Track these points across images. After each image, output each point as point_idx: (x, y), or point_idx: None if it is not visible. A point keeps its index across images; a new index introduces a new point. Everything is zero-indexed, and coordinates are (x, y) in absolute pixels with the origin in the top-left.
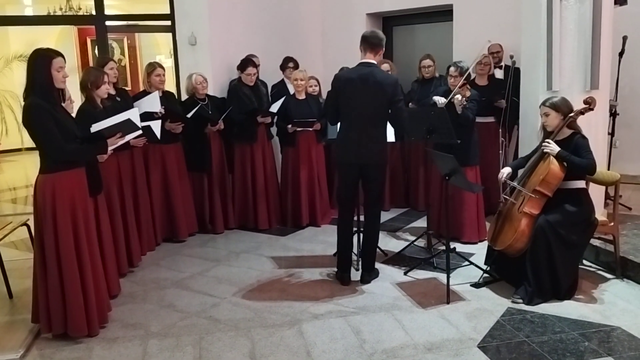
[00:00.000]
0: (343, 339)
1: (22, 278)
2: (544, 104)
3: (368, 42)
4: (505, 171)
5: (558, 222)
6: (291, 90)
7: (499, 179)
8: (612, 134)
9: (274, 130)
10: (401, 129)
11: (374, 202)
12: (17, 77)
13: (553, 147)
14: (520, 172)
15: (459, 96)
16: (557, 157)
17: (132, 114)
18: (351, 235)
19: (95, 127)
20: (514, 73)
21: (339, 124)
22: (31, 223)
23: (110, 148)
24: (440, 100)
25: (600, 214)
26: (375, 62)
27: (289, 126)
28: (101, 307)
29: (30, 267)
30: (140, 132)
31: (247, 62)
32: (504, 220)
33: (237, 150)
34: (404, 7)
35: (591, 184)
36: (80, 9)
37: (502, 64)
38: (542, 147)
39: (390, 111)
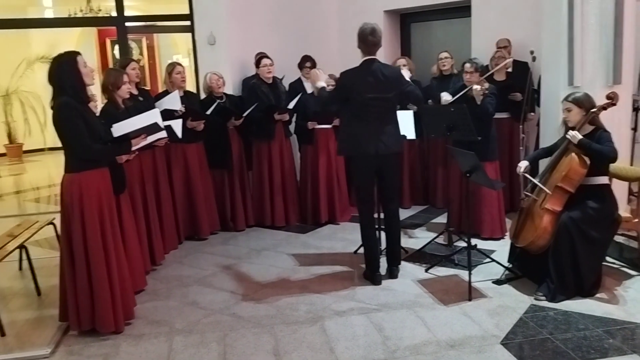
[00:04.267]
0: (365, 335)
1: (48, 276)
2: (566, 99)
3: (369, 49)
4: (523, 165)
5: (581, 218)
6: (308, 89)
7: (517, 173)
8: (635, 129)
9: (292, 127)
10: (421, 102)
11: (395, 195)
12: (39, 79)
13: (575, 135)
14: (542, 167)
15: (477, 86)
16: (579, 145)
17: (154, 115)
18: (376, 234)
19: (116, 127)
20: (522, 68)
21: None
22: (57, 222)
23: (134, 148)
24: (447, 97)
25: (624, 210)
26: (376, 57)
27: (309, 123)
28: (127, 303)
29: (56, 265)
30: (164, 132)
31: (260, 57)
32: (526, 217)
33: (255, 148)
34: (422, 4)
35: (614, 180)
36: (100, 10)
37: (511, 58)
38: (566, 135)
39: (407, 96)
